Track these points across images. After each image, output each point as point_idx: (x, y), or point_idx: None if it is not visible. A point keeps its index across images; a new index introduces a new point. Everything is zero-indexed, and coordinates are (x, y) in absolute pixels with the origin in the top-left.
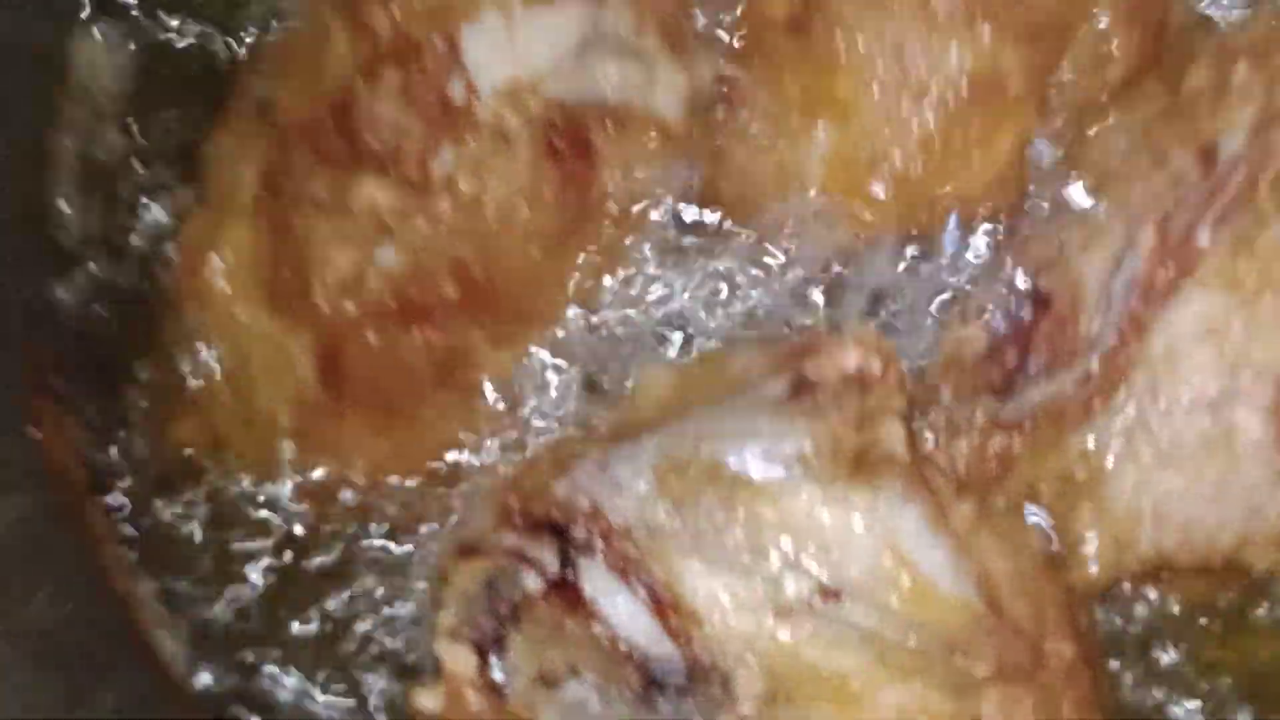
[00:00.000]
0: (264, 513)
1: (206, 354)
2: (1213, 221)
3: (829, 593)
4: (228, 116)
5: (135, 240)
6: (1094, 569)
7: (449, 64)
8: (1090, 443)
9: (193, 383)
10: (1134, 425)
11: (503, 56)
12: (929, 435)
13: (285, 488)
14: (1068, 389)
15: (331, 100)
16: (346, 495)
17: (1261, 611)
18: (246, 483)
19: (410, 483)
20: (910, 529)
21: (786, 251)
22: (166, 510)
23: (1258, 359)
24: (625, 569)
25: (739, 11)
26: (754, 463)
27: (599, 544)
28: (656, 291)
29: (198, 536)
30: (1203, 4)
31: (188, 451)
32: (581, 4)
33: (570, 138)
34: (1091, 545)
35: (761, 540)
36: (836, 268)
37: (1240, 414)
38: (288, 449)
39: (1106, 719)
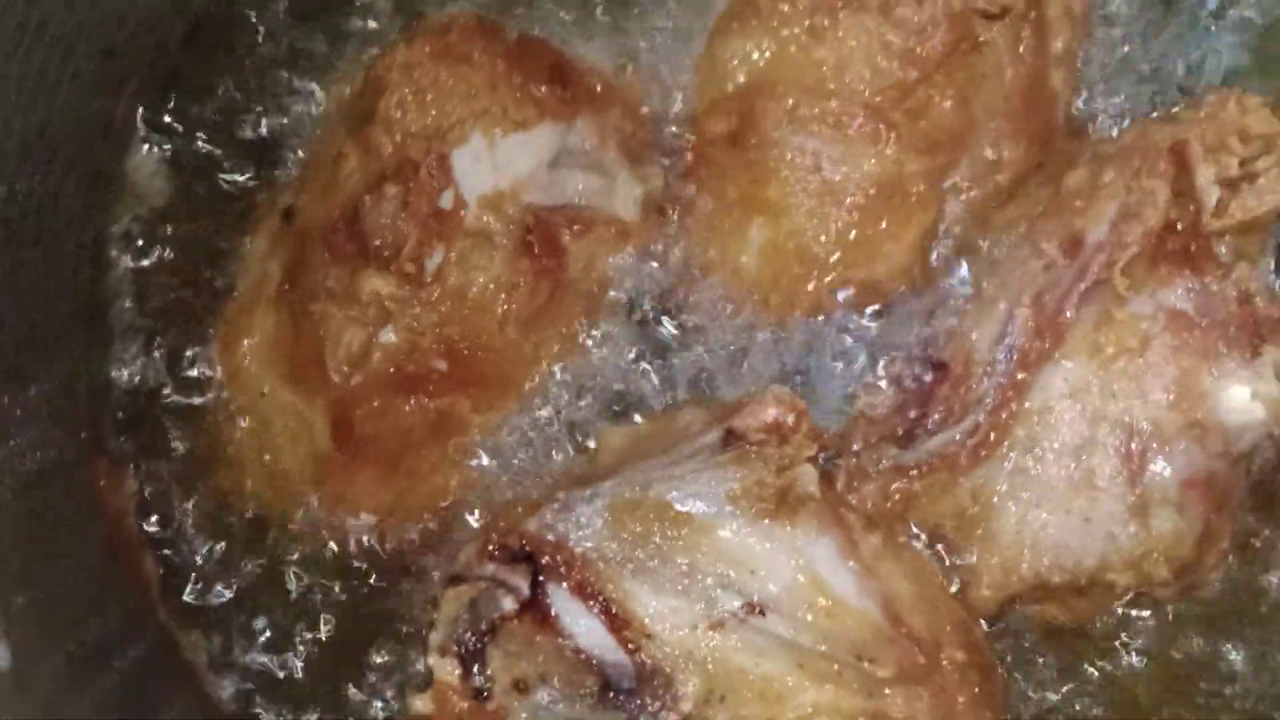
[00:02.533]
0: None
1: (240, 420)
2: (1078, 300)
3: (755, 608)
4: (258, 222)
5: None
6: (986, 590)
7: (441, 179)
8: (979, 484)
9: (229, 445)
10: (1014, 469)
11: (486, 171)
12: (842, 478)
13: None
14: (960, 439)
15: (343, 208)
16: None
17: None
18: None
19: (414, 526)
20: (824, 556)
21: (724, 327)
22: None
23: (1112, 414)
24: (586, 592)
25: (686, 130)
26: (692, 501)
27: (564, 571)
28: (617, 363)
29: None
30: (1082, 117)
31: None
32: (552, 127)
33: (543, 237)
34: (982, 570)
35: (698, 566)
36: (766, 339)
37: (1098, 459)
38: (309, 499)
39: (997, 716)
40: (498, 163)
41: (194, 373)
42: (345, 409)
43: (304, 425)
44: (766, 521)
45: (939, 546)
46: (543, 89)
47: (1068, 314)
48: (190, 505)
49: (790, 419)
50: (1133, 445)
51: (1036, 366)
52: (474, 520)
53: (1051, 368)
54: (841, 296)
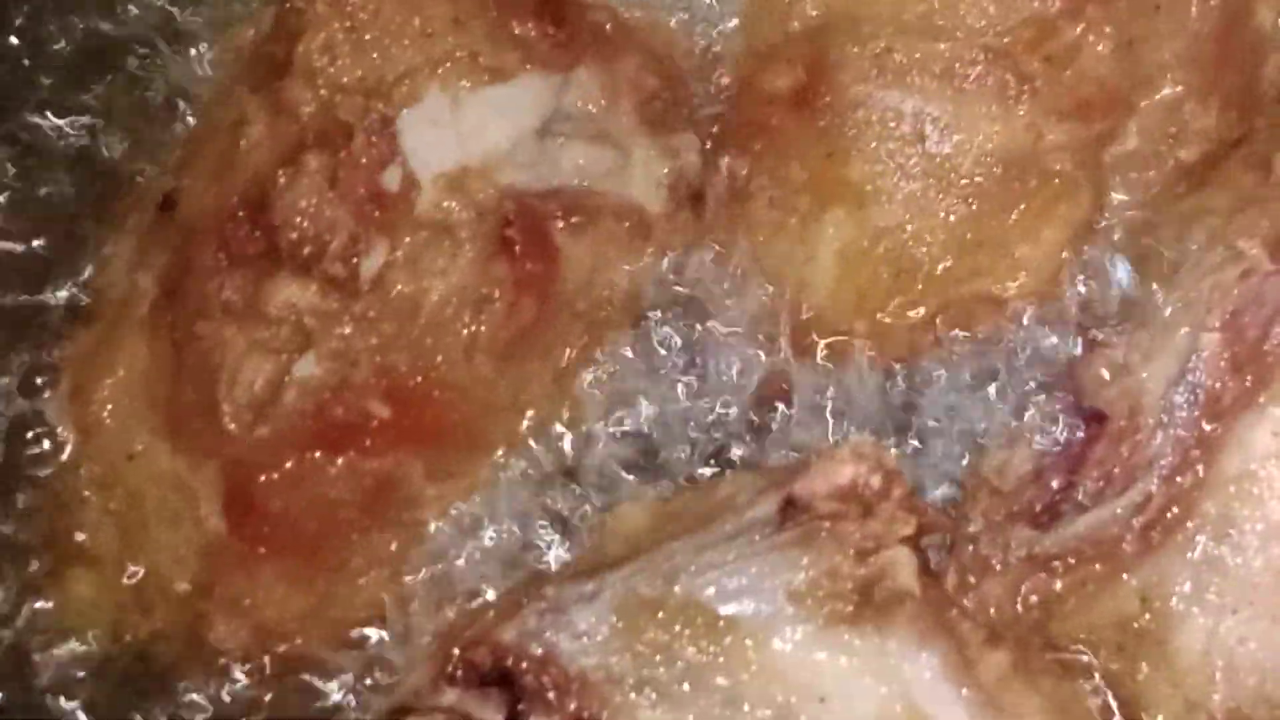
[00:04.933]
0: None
1: (97, 496)
2: None
3: None
4: (123, 216)
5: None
6: None
7: (383, 149)
8: (1151, 582)
9: (82, 535)
10: (1202, 561)
11: (448, 140)
12: (954, 570)
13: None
14: (1124, 517)
15: (245, 191)
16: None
17: None
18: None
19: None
20: (926, 680)
21: (784, 364)
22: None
23: None
24: None
25: (732, 85)
26: (736, 600)
27: (554, 698)
28: (635, 413)
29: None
30: None
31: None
32: (542, 79)
33: (526, 232)
34: (1155, 706)
35: (745, 692)
36: (846, 380)
37: None
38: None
39: None
40: (464, 129)
41: (30, 433)
42: (245, 475)
43: (187, 500)
44: (843, 629)
45: (1093, 670)
46: (529, 26)
47: (1277, 341)
48: (21, 624)
49: (876, 482)
50: None
51: (1233, 415)
52: (428, 629)
53: (1254, 416)
54: (955, 319)
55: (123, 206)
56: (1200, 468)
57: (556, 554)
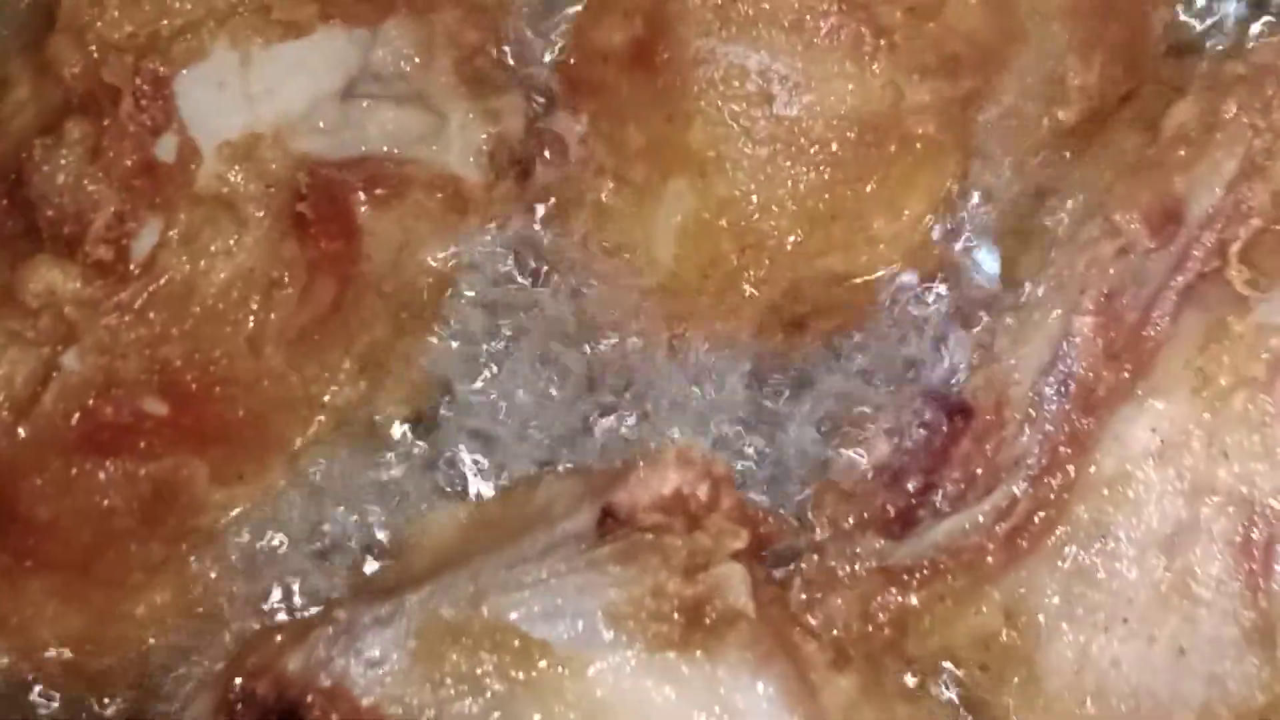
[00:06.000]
0: None
1: None
2: (1173, 303)
3: None
4: None
5: None
6: None
7: (157, 113)
8: (1016, 595)
9: None
10: (1072, 572)
11: (234, 103)
12: (797, 585)
13: None
14: (984, 525)
15: (1, 163)
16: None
17: None
18: None
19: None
20: (763, 710)
21: (614, 350)
22: None
23: (1224, 482)
24: None
25: (561, 40)
26: (549, 622)
27: None
28: (444, 408)
29: None
30: (1190, 27)
31: None
32: (345, 32)
33: (323, 205)
34: None
35: None
36: (683, 366)
37: (1201, 555)
38: None
39: None
40: (253, 90)
41: None
42: (6, 481)
43: None
44: (669, 655)
45: (951, 693)
46: None
47: (1157, 325)
48: None
49: (703, 491)
50: (1254, 533)
51: (1108, 408)
52: (209, 652)
53: (1131, 410)
54: (805, 298)
55: None
56: (1071, 467)
57: (354, 572)
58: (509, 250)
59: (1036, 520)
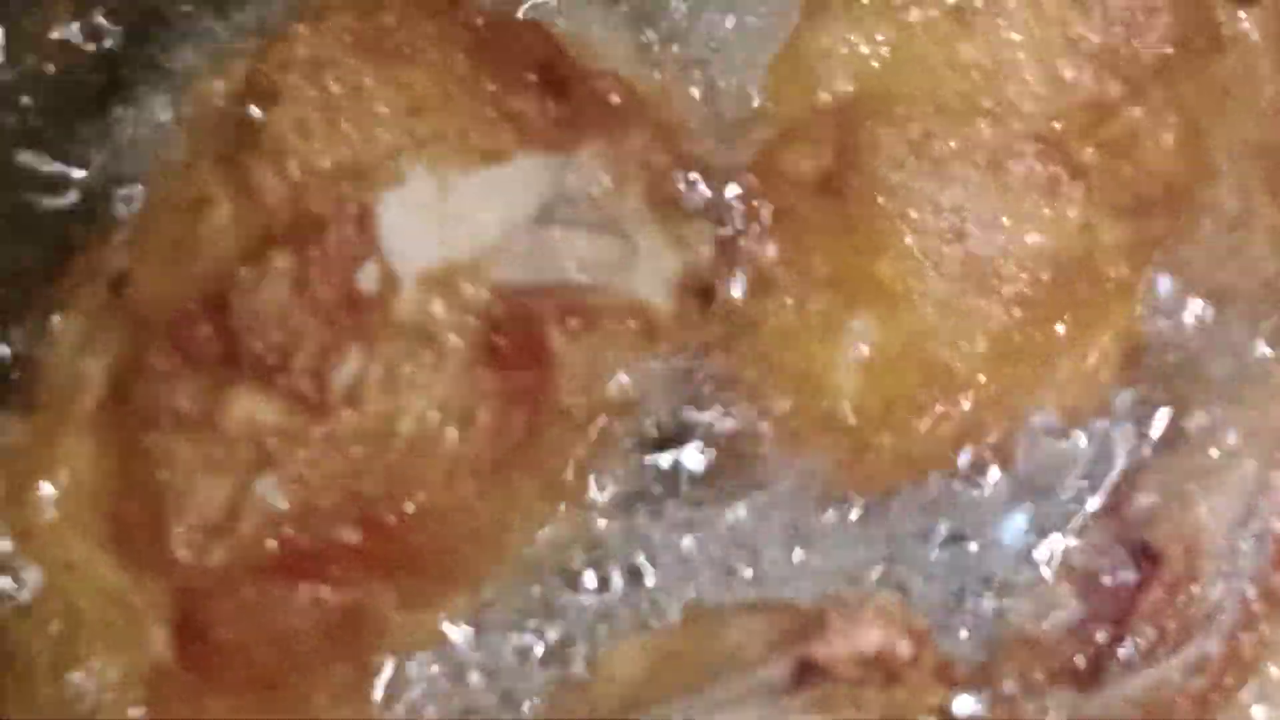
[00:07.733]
0: None
1: (32, 606)
2: None
3: None
4: (72, 290)
5: None
6: None
7: (359, 244)
8: None
9: (12, 650)
10: None
11: (432, 231)
12: None
13: None
14: (1178, 681)
15: (205, 287)
16: None
17: None
18: None
19: None
20: None
21: (799, 486)
22: None
23: None
24: None
25: (749, 169)
26: None
27: None
28: (630, 536)
29: None
30: None
31: None
32: (542, 159)
33: (518, 337)
34: None
35: None
36: (868, 508)
37: None
38: None
39: None
40: (450, 217)
41: None
42: (197, 601)
43: (132, 621)
44: None
45: None
46: (528, 100)
47: None
48: None
49: (904, 647)
50: None
51: None
52: None
53: None
54: (991, 439)
55: (71, 280)
56: (1267, 626)
57: (541, 701)
58: (688, 379)
59: (1229, 681)
